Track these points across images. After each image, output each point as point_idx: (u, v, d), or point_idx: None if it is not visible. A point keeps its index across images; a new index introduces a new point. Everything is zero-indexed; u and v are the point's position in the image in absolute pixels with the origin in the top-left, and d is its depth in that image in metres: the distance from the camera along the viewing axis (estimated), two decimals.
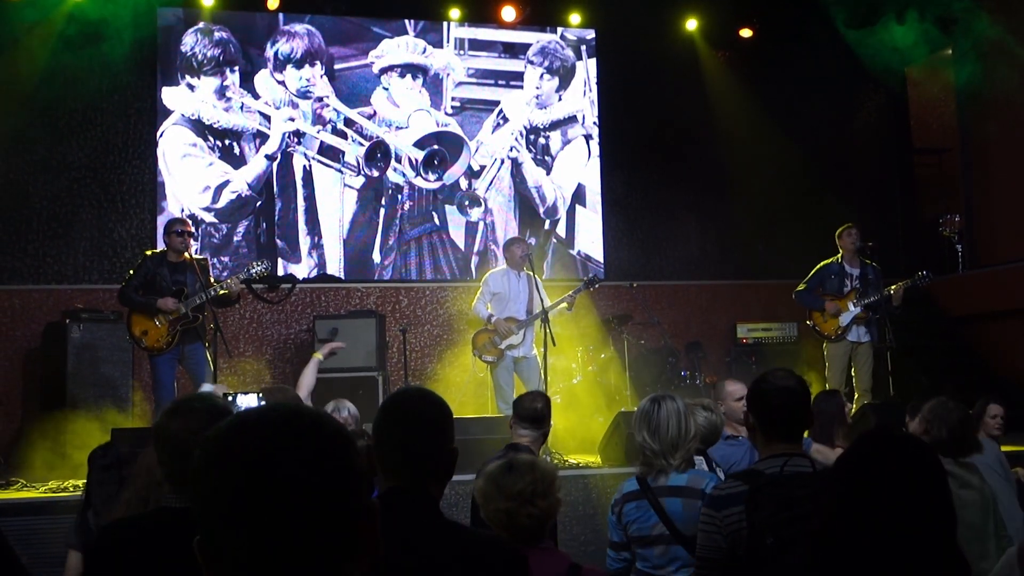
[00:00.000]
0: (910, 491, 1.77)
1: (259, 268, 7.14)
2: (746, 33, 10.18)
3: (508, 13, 9.98)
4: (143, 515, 2.36)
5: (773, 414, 2.81)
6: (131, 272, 7.08)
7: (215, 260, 9.04)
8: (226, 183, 9.41)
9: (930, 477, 1.81)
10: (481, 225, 10.11)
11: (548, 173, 10.35)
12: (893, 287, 7.75)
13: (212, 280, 7.10)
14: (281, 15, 9.64)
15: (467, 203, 10.08)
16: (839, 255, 8.12)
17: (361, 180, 9.79)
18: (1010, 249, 9.55)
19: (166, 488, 2.34)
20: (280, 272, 9.37)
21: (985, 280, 9.56)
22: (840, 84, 10.73)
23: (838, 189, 10.41)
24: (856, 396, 7.85)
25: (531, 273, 7.77)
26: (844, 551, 1.79)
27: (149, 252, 7.31)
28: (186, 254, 6.97)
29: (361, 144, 9.78)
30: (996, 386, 8.98)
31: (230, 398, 3.05)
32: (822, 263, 8.18)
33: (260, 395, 2.90)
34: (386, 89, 9.92)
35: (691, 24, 10.39)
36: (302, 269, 9.51)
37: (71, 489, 6.02)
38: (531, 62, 10.40)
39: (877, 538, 1.76)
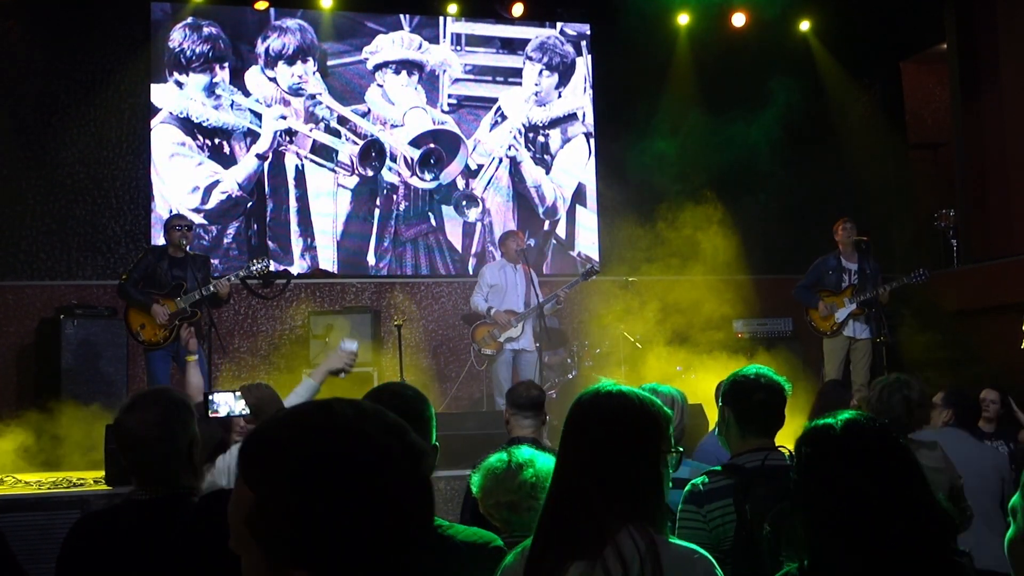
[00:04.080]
0: (868, 470, 1.79)
1: (259, 266, 7.26)
2: (739, 20, 10.15)
3: (517, 8, 9.84)
4: (112, 508, 2.42)
5: (752, 410, 2.84)
6: (131, 267, 7.27)
7: None
8: (216, 183, 9.32)
9: (884, 448, 1.83)
10: (479, 226, 10.03)
11: (547, 172, 10.29)
12: (881, 290, 7.76)
13: (211, 277, 7.19)
14: (272, 10, 9.56)
15: (464, 203, 10.02)
16: (836, 250, 8.15)
17: (355, 180, 9.71)
18: (1005, 244, 9.56)
19: (133, 482, 2.40)
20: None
21: (981, 274, 9.57)
22: (834, 80, 10.75)
23: (833, 184, 10.42)
24: (854, 391, 7.85)
25: (527, 267, 7.78)
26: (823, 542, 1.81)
27: (150, 247, 7.44)
28: (187, 250, 7.15)
29: (355, 143, 9.72)
30: (992, 380, 9.00)
31: (211, 396, 3.04)
32: (820, 258, 8.21)
33: (237, 393, 2.89)
34: (381, 86, 9.86)
35: (683, 19, 10.37)
36: (294, 271, 9.40)
37: (65, 485, 6.02)
38: (530, 58, 10.32)
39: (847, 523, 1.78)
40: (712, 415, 5.03)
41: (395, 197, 9.81)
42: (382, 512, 1.06)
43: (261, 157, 9.45)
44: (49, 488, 5.94)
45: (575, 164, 10.35)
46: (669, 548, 1.87)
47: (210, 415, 3.07)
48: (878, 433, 1.85)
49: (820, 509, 1.81)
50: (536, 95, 10.31)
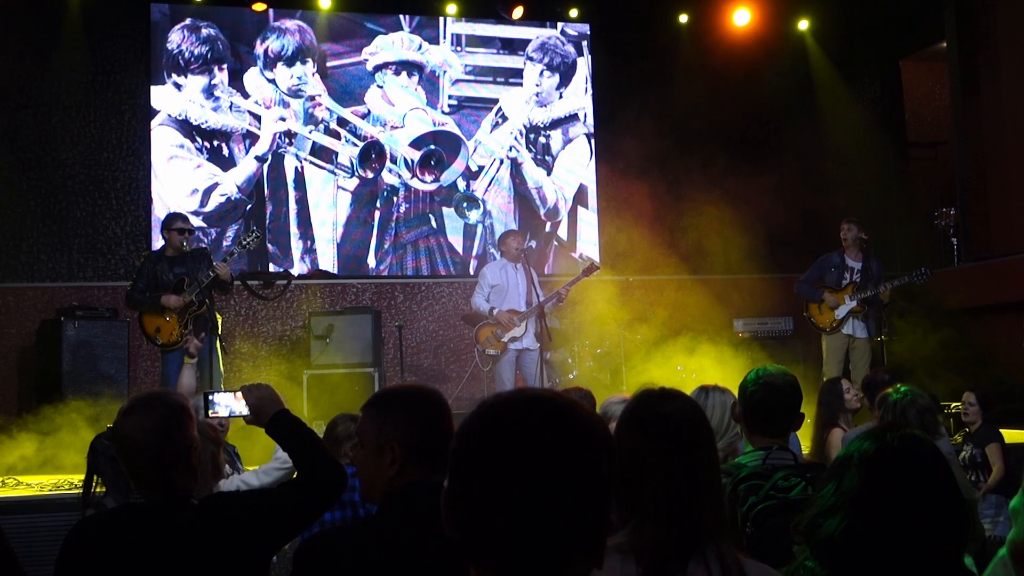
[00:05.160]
0: (920, 493, 1.78)
1: (250, 239, 7.26)
2: (742, 17, 10.15)
3: (517, 12, 9.78)
4: (111, 512, 2.42)
5: (751, 408, 2.84)
6: (135, 277, 7.28)
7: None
8: (215, 186, 9.29)
9: (935, 474, 1.81)
10: (480, 228, 10.00)
11: (549, 173, 10.26)
12: (882, 288, 7.78)
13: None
14: (271, 11, 9.53)
15: (465, 205, 10.00)
16: (840, 248, 8.17)
17: (355, 182, 9.69)
18: (1006, 242, 9.56)
19: (132, 486, 2.39)
20: None
21: (981, 273, 9.56)
22: (834, 78, 10.75)
23: (834, 183, 10.42)
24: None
25: (527, 266, 7.78)
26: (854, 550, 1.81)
27: (147, 253, 7.46)
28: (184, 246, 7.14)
29: (355, 144, 9.70)
30: (991, 379, 9.00)
31: (211, 396, 3.02)
32: (823, 255, 8.22)
33: (238, 393, 2.87)
34: (380, 87, 9.84)
35: (683, 18, 10.37)
36: (294, 273, 9.38)
37: (67, 487, 6.02)
38: (531, 58, 10.29)
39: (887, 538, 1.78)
40: None
41: (395, 199, 9.78)
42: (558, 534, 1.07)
43: (260, 159, 9.42)
44: (50, 490, 5.94)
45: (576, 165, 10.33)
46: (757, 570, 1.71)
47: (210, 415, 3.05)
48: (929, 453, 1.84)
49: (857, 514, 1.80)
50: (537, 96, 10.29)
